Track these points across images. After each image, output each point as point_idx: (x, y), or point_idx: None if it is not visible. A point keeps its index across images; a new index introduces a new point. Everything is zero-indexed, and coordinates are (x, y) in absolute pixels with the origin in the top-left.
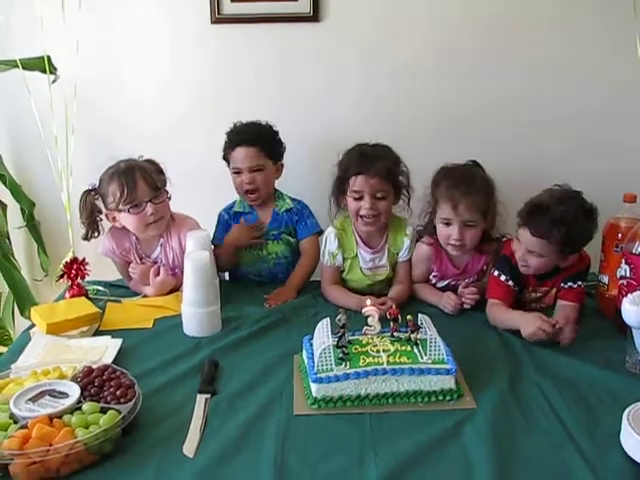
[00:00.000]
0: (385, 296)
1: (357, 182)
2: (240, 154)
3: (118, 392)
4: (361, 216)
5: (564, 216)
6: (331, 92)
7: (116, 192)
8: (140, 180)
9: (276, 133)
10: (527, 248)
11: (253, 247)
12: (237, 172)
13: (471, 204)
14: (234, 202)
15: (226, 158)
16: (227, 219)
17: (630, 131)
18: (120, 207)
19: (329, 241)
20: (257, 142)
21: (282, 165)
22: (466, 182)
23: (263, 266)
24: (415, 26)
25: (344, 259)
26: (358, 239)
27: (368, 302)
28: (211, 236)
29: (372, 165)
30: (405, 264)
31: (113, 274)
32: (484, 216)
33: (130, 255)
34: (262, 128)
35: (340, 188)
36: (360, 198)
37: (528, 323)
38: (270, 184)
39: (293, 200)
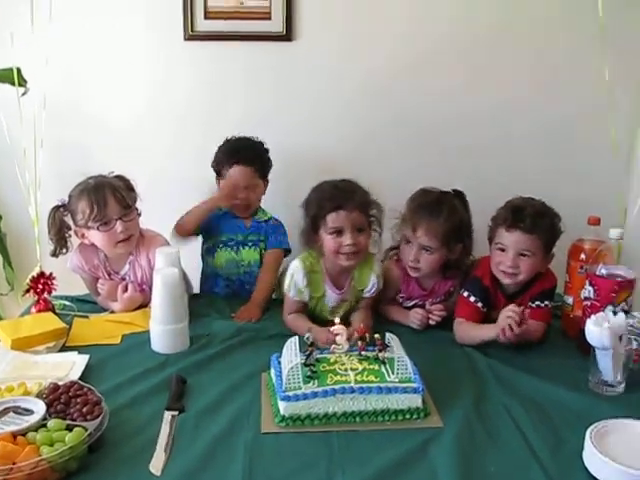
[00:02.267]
0: (347, 322)
1: (337, 218)
2: (237, 172)
3: (85, 409)
4: (341, 253)
5: (543, 209)
6: (302, 110)
7: (85, 209)
8: (110, 198)
9: (267, 151)
10: (517, 251)
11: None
12: None
13: (429, 230)
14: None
15: (219, 170)
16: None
17: (595, 158)
18: (89, 224)
19: (297, 277)
20: (254, 162)
21: (268, 181)
22: (430, 208)
23: (234, 271)
24: (388, 44)
25: (310, 298)
26: (327, 279)
27: (337, 320)
28: (180, 254)
29: (351, 198)
30: (369, 298)
31: (80, 289)
32: (445, 244)
33: (98, 271)
34: (257, 147)
35: (313, 227)
36: (340, 234)
37: (495, 328)
38: (259, 200)
39: (272, 216)
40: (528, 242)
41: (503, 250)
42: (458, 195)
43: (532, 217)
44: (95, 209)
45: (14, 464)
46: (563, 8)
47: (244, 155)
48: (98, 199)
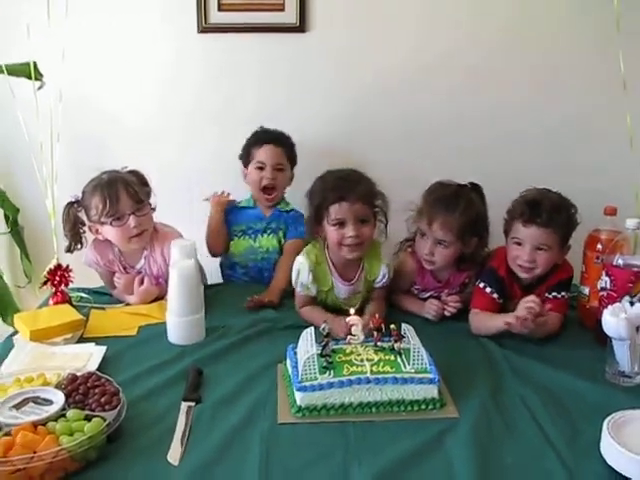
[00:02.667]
0: (362, 313)
1: (339, 209)
2: (267, 151)
3: (103, 399)
4: (344, 244)
5: (559, 202)
6: (315, 102)
7: (99, 205)
8: (123, 193)
9: (294, 145)
10: (534, 245)
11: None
12: (260, 167)
13: (445, 224)
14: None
15: (247, 155)
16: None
17: (611, 150)
18: (103, 220)
19: (302, 274)
20: (283, 145)
21: (293, 175)
22: (447, 202)
23: (251, 258)
24: (400, 40)
25: (319, 291)
26: (334, 271)
27: (352, 311)
28: (196, 245)
29: (353, 190)
30: (381, 289)
31: (97, 281)
32: (460, 238)
33: (114, 266)
34: (286, 136)
35: (316, 218)
36: (342, 226)
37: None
38: (285, 186)
39: (294, 208)
40: (545, 236)
41: (520, 244)
42: (475, 188)
43: (548, 211)
44: (108, 204)
45: (35, 453)
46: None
47: (274, 136)
48: (110, 194)
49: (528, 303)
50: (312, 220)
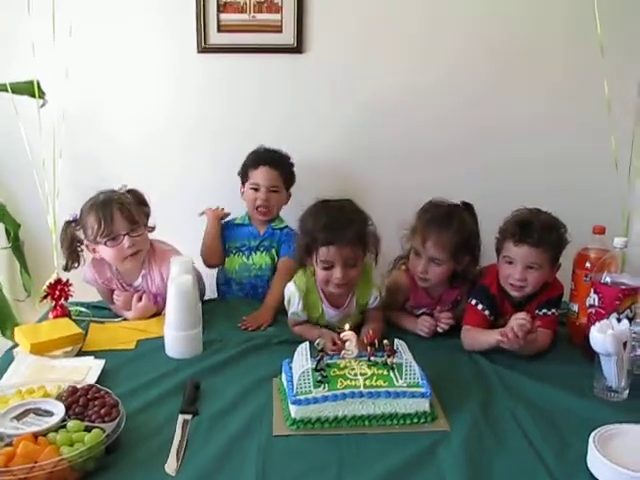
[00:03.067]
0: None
1: (328, 253)
2: (262, 173)
3: (102, 411)
4: (332, 284)
5: (550, 222)
6: (311, 122)
7: (94, 224)
8: (117, 213)
9: (293, 165)
10: (525, 264)
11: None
12: (255, 189)
13: (438, 243)
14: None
15: (244, 174)
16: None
17: (597, 172)
18: (98, 239)
19: (292, 303)
20: (279, 167)
21: (290, 194)
22: (440, 221)
23: (245, 275)
24: (397, 60)
25: (309, 317)
26: (324, 299)
27: (347, 327)
28: (194, 261)
29: (343, 233)
30: (376, 310)
31: (95, 296)
32: (453, 257)
33: (112, 284)
34: (284, 157)
35: (306, 251)
36: (330, 268)
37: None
38: (279, 206)
39: (288, 225)
40: (535, 255)
41: (511, 263)
42: (467, 207)
43: (539, 231)
44: (102, 224)
45: (36, 463)
46: (563, 26)
47: (271, 159)
48: (105, 215)
49: (519, 320)
50: (302, 251)
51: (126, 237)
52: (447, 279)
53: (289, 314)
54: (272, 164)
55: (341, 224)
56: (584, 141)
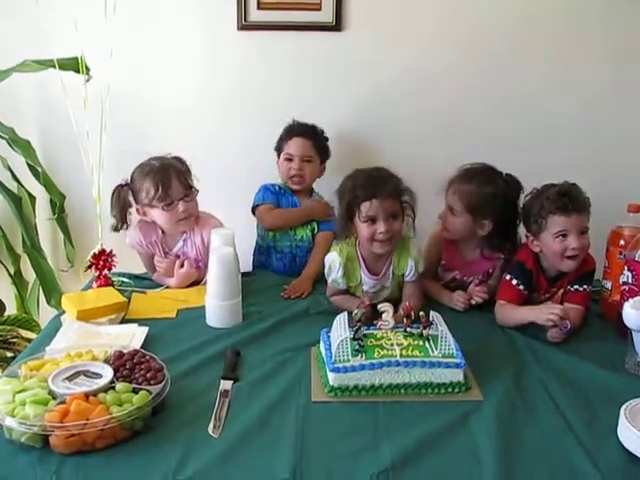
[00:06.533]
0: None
1: (370, 206)
2: (295, 143)
3: (148, 374)
4: (376, 240)
5: (578, 189)
6: (348, 100)
7: (150, 189)
8: (174, 179)
9: (327, 139)
10: (580, 231)
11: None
12: (289, 159)
13: (457, 192)
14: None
15: (279, 147)
16: (272, 189)
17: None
18: (154, 203)
19: (333, 269)
20: (312, 137)
21: (325, 167)
22: (465, 174)
23: (286, 244)
24: (430, 40)
25: (348, 286)
26: (363, 266)
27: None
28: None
29: (383, 187)
30: (413, 284)
31: (138, 267)
32: (470, 212)
33: (155, 248)
34: (317, 129)
35: (348, 214)
36: (374, 222)
37: (540, 314)
38: (313, 177)
39: (326, 201)
40: (585, 220)
41: (564, 236)
42: (507, 179)
43: (581, 196)
44: (160, 190)
45: (87, 420)
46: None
47: (304, 130)
48: (163, 180)
49: (552, 312)
50: (344, 217)
51: (181, 202)
52: (476, 242)
53: (329, 282)
54: (305, 135)
55: (380, 179)
56: (617, 123)
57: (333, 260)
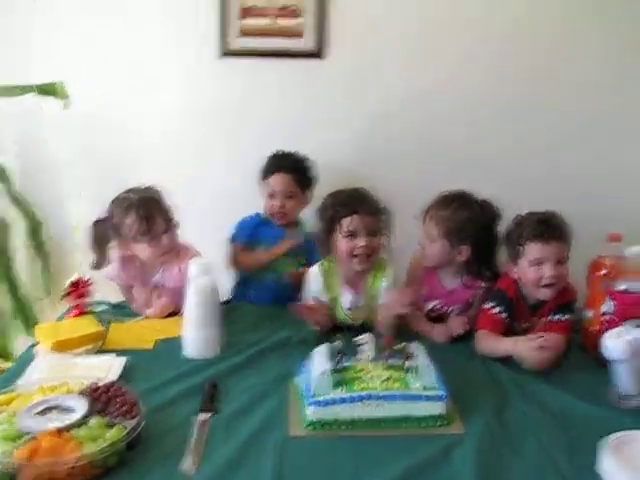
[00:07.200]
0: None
1: (352, 221)
2: (276, 180)
3: (124, 408)
4: (355, 255)
5: (560, 218)
6: (329, 126)
7: (133, 225)
8: (157, 214)
9: (309, 167)
10: (556, 260)
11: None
12: (271, 195)
13: (433, 218)
14: (257, 214)
15: (263, 178)
16: (251, 222)
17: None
18: (138, 238)
19: (313, 281)
20: (294, 171)
21: (312, 195)
22: (442, 200)
23: (268, 277)
24: (414, 65)
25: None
26: (342, 280)
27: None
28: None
29: (364, 203)
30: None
31: (115, 294)
32: (447, 237)
33: (135, 280)
34: (299, 159)
35: (328, 230)
36: (354, 237)
37: (522, 350)
38: (296, 211)
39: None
40: (563, 249)
41: (540, 264)
42: (483, 204)
43: (560, 226)
44: (144, 225)
45: (59, 457)
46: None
47: (285, 164)
48: (147, 216)
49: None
50: (324, 233)
51: (164, 235)
52: (455, 269)
53: (307, 295)
54: (287, 169)
55: (361, 196)
56: (600, 154)
57: (314, 273)
